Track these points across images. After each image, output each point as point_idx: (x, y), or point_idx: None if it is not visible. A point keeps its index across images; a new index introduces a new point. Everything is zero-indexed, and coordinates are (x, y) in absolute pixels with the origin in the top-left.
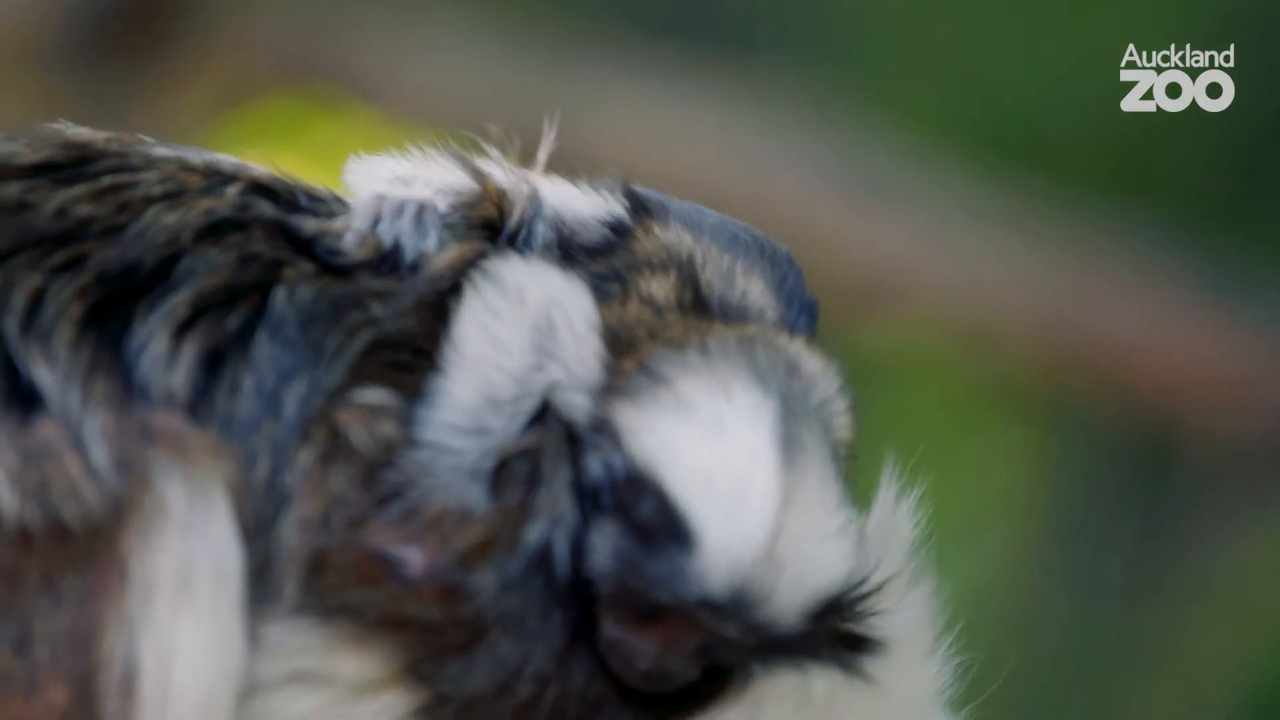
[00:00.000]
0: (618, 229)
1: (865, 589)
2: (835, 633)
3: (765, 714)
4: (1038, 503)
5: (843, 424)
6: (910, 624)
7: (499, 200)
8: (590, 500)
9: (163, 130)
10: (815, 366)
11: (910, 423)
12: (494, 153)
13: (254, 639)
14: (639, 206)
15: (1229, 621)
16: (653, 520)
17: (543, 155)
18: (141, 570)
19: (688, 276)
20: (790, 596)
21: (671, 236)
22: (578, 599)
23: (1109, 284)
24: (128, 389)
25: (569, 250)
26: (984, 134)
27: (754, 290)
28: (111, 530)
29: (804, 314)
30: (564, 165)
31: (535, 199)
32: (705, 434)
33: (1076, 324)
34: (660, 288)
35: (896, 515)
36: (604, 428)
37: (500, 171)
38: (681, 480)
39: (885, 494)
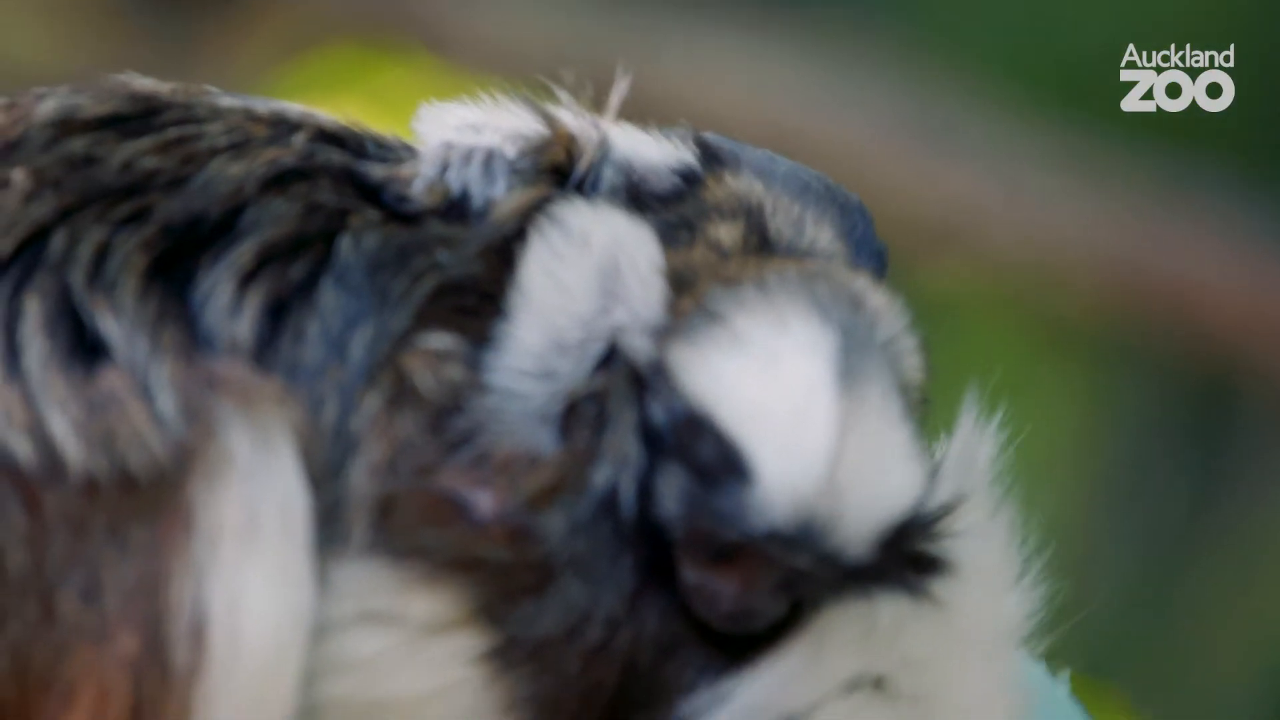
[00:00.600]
0: (688, 177)
1: (938, 512)
2: (905, 556)
3: (828, 646)
4: (1098, 446)
5: (911, 363)
6: (986, 551)
7: (568, 145)
8: (655, 443)
9: (225, 78)
10: (880, 302)
11: (972, 366)
12: (565, 99)
13: (323, 582)
14: (710, 155)
15: None
16: (712, 458)
17: (614, 102)
18: (207, 518)
19: (756, 223)
20: (858, 524)
21: (742, 185)
22: (647, 543)
23: (1174, 227)
24: (193, 338)
25: (638, 197)
26: (1049, 78)
27: (823, 238)
28: (177, 479)
29: (873, 260)
30: (633, 112)
31: (605, 145)
32: (760, 367)
33: (1141, 268)
34: (728, 234)
35: (976, 443)
36: (663, 370)
37: (571, 117)
38: (736, 415)
39: (965, 422)
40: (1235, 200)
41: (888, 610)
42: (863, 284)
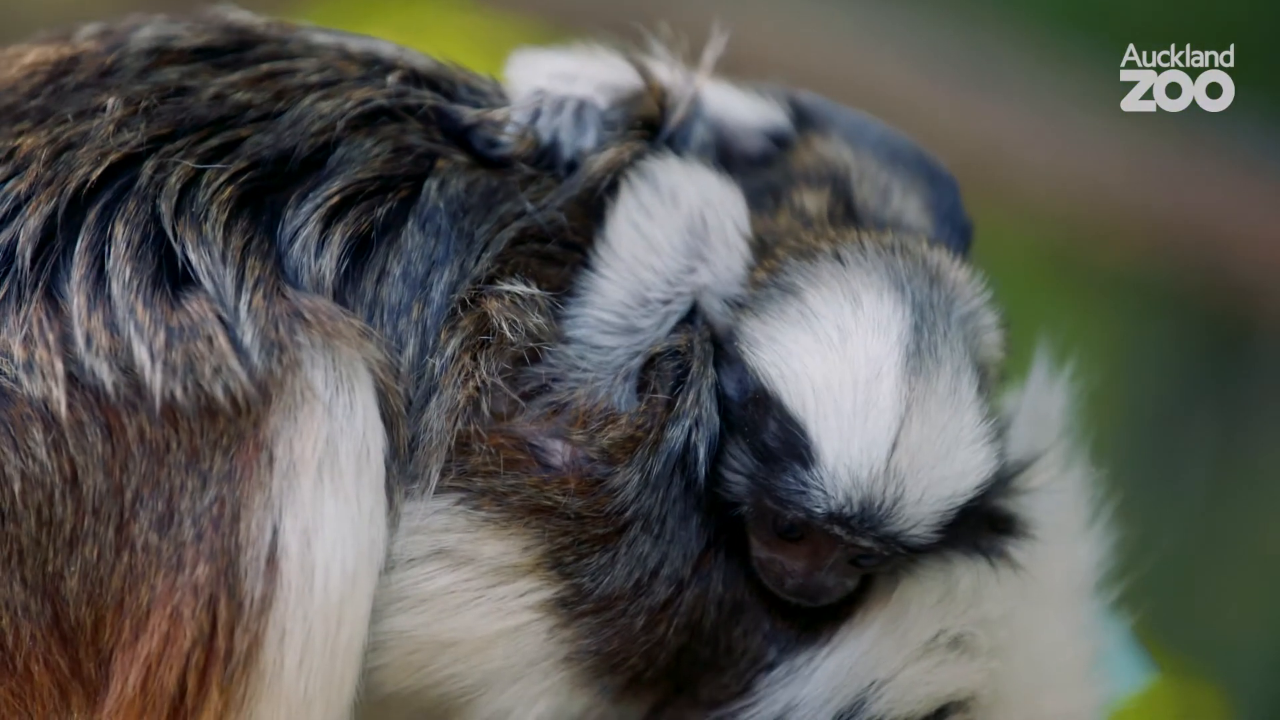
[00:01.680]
0: (779, 139)
1: (1012, 473)
2: (982, 522)
3: (910, 613)
4: (1124, 390)
5: (989, 339)
6: (1058, 506)
7: (661, 99)
8: (725, 414)
9: (244, 8)
10: (960, 277)
11: (999, 303)
12: (660, 51)
13: (396, 517)
14: (802, 117)
15: None
16: (776, 439)
17: (709, 58)
18: (287, 451)
19: (842, 192)
20: (920, 508)
21: (831, 150)
22: (715, 506)
23: (1208, 173)
24: (279, 272)
25: (727, 156)
26: (1087, 21)
27: (909, 209)
28: (258, 410)
29: (957, 234)
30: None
31: (697, 101)
32: (828, 346)
33: (1173, 210)
34: (813, 201)
35: (1047, 398)
36: (735, 341)
37: (665, 70)
38: (799, 395)
39: (1036, 377)
40: (1268, 144)
41: (965, 573)
42: (943, 258)
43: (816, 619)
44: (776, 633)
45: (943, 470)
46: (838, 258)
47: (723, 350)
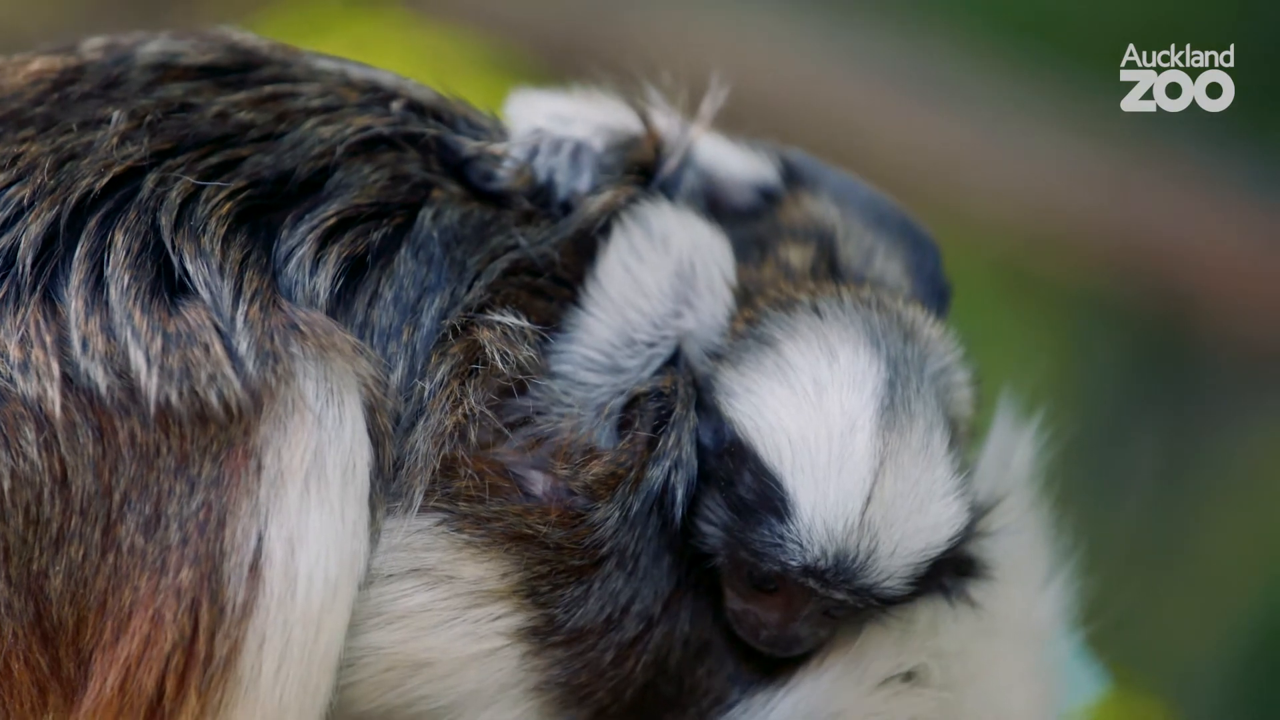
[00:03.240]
0: (768, 194)
1: (976, 517)
2: (949, 564)
3: (869, 653)
4: (1065, 398)
5: (962, 396)
6: (1020, 550)
7: (657, 146)
8: (702, 462)
9: (195, 25)
10: (934, 334)
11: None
12: (657, 99)
13: (379, 533)
14: (792, 175)
15: (1252, 512)
16: (751, 492)
17: (707, 110)
18: (276, 460)
19: (827, 249)
20: (893, 561)
21: (819, 209)
22: (687, 548)
23: (1153, 182)
24: (275, 287)
25: (716, 208)
26: (1033, 31)
27: (892, 270)
28: (250, 418)
29: (936, 297)
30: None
31: (690, 150)
32: (802, 398)
33: (1118, 224)
34: (798, 256)
35: (1013, 444)
36: (714, 390)
37: (661, 118)
38: (775, 447)
39: (1002, 422)
40: (1215, 150)
41: (925, 612)
42: (917, 314)
43: (780, 661)
44: (740, 674)
45: (916, 523)
46: (815, 310)
47: (701, 398)
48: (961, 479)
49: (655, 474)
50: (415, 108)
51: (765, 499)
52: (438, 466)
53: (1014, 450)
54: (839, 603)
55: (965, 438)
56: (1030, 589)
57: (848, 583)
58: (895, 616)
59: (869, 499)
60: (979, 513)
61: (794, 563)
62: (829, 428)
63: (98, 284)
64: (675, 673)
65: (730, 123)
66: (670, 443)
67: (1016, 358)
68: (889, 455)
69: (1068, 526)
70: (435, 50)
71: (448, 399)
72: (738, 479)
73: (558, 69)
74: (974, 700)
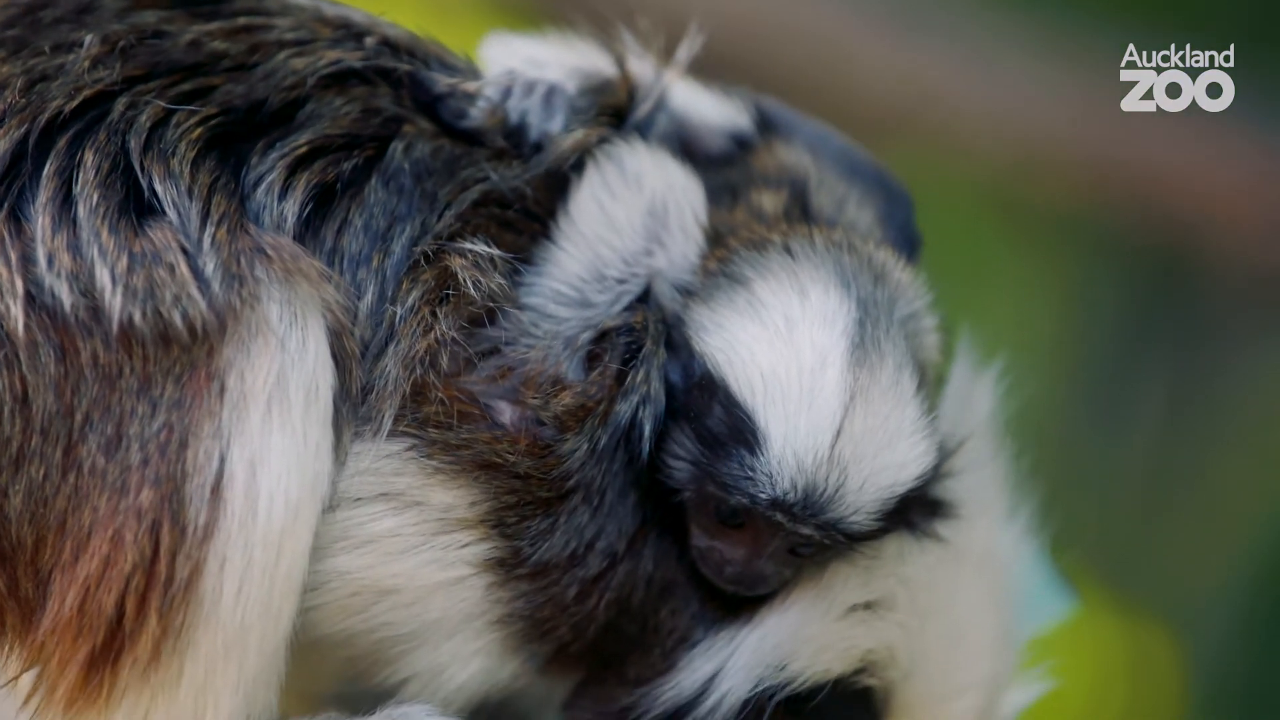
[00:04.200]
0: (742, 141)
1: (942, 458)
2: (917, 503)
3: (833, 588)
4: (1067, 329)
5: (929, 341)
6: (983, 485)
7: (630, 90)
8: (671, 399)
9: None
10: (904, 279)
11: (938, 248)
12: (633, 44)
13: (344, 454)
14: (766, 122)
15: (1260, 442)
16: (721, 425)
17: (682, 56)
18: (238, 382)
19: (799, 195)
20: (860, 495)
21: (792, 157)
22: (653, 486)
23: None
24: (243, 211)
25: (689, 153)
26: (1084, 16)
27: (863, 219)
28: (214, 340)
29: (906, 246)
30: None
31: (664, 95)
32: (774, 334)
33: (1111, 151)
34: (770, 202)
35: (974, 384)
36: (684, 327)
37: (637, 63)
38: (747, 381)
39: (962, 364)
40: (1238, 98)
41: (892, 545)
42: (888, 258)
43: (744, 601)
44: (704, 613)
45: (885, 459)
46: (787, 250)
47: (671, 336)
48: (929, 419)
49: (623, 408)
50: (388, 44)
51: (736, 432)
52: (408, 391)
53: (973, 389)
54: (805, 538)
55: (932, 382)
56: (992, 522)
57: (815, 516)
58: (862, 553)
59: (839, 433)
60: (945, 453)
61: (763, 495)
62: (800, 362)
63: (65, 201)
64: (639, 612)
65: (716, 60)
66: (639, 378)
67: (1016, 292)
68: (859, 391)
69: (1034, 461)
70: (452, 5)
71: (418, 324)
72: (708, 413)
73: (555, 11)
74: (937, 628)
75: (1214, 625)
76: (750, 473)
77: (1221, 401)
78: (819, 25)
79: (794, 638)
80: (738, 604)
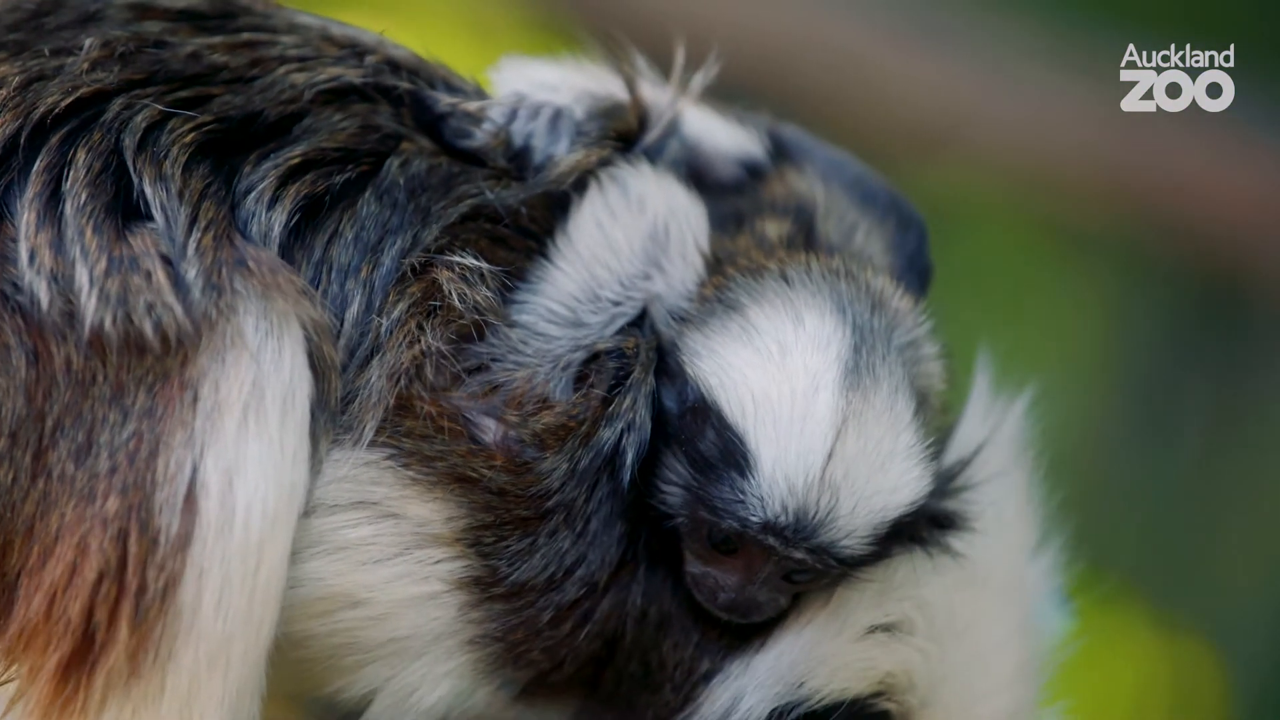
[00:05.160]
0: (753, 169)
1: (955, 471)
2: (921, 520)
3: (848, 607)
4: (1109, 347)
5: (931, 370)
6: (1005, 502)
7: (641, 115)
8: (662, 424)
9: None
10: (904, 306)
11: (977, 267)
12: (646, 69)
13: (320, 463)
14: (780, 150)
15: None
16: (713, 447)
17: (698, 83)
18: (212, 391)
19: (805, 223)
20: (853, 519)
21: (803, 185)
22: (643, 519)
23: (1174, 126)
24: (231, 220)
25: (700, 180)
26: (1084, 17)
27: (873, 249)
28: (188, 349)
29: (916, 276)
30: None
31: (676, 121)
32: (767, 359)
33: (1142, 166)
34: (775, 229)
35: (994, 405)
36: (678, 353)
37: (649, 88)
38: (739, 403)
39: (981, 385)
40: (1239, 94)
41: (905, 565)
42: (886, 286)
43: (750, 629)
44: (707, 644)
45: (877, 483)
46: (783, 277)
47: (665, 362)
48: (926, 443)
49: (607, 434)
50: (391, 64)
51: (727, 455)
52: (391, 403)
53: (996, 412)
54: (799, 563)
55: (934, 408)
56: (1016, 545)
57: (807, 540)
58: (861, 579)
59: (830, 456)
60: (951, 473)
61: (754, 518)
62: (792, 386)
63: (53, 198)
64: (638, 650)
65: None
66: (625, 404)
67: (1058, 310)
68: (851, 415)
69: (1074, 480)
70: (476, 18)
71: (404, 336)
72: (700, 437)
73: (596, 32)
74: (959, 653)
75: (1256, 641)
76: (741, 496)
77: (1264, 417)
78: (845, 42)
79: (810, 657)
80: (743, 631)
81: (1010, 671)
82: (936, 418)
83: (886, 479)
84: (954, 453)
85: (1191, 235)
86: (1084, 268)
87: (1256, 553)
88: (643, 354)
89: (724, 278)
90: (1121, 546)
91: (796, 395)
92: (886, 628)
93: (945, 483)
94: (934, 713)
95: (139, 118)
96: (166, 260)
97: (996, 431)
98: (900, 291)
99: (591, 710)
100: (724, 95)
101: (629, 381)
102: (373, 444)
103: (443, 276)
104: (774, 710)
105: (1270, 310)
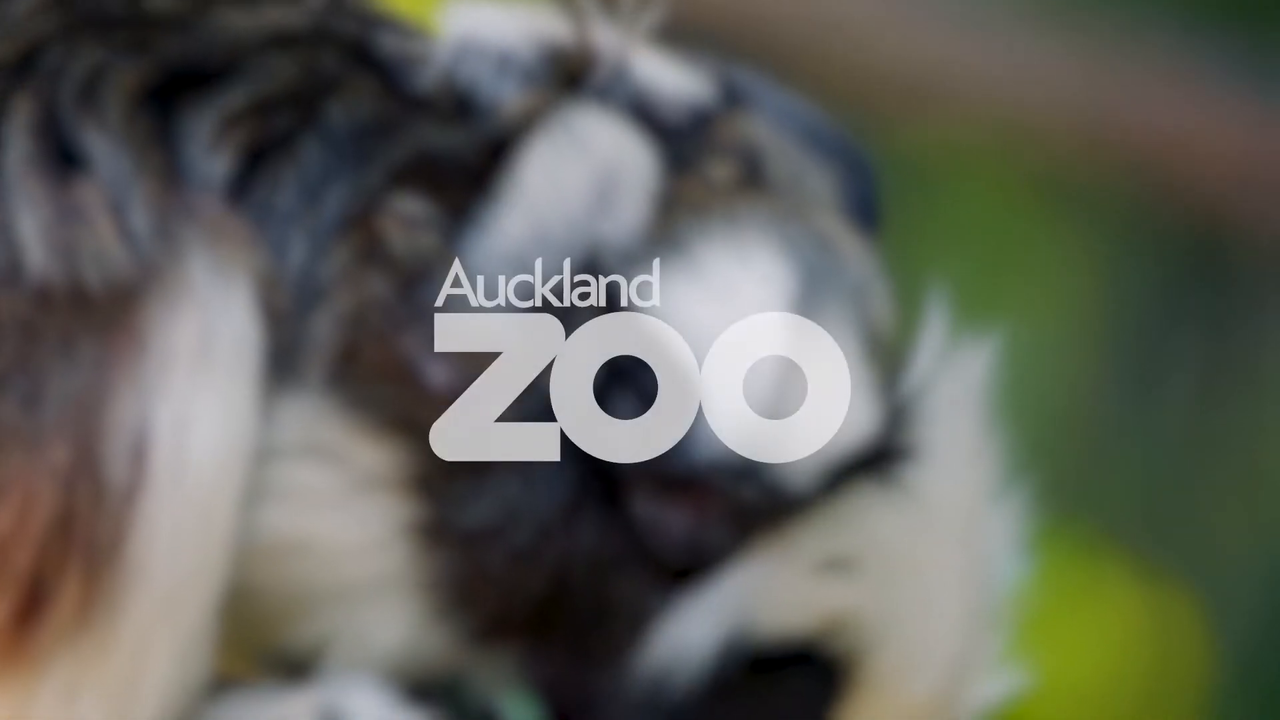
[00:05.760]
0: (702, 114)
1: (903, 405)
2: (870, 456)
3: (797, 541)
4: (1096, 301)
5: (880, 311)
6: (962, 451)
7: (588, 57)
8: (609, 366)
9: None
10: (854, 248)
11: (959, 223)
12: (595, 11)
13: (272, 414)
14: (732, 94)
15: None
16: (656, 386)
17: (645, 23)
18: (161, 341)
19: (752, 166)
20: (802, 458)
21: (751, 128)
22: (590, 461)
23: (1155, 77)
24: (174, 167)
25: (647, 124)
26: None
27: (821, 189)
28: (134, 298)
29: (865, 216)
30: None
31: (625, 64)
32: (712, 296)
33: (1123, 118)
34: (722, 171)
35: (953, 344)
36: (625, 294)
37: (598, 30)
38: (684, 341)
39: (936, 312)
40: (1218, 44)
41: (856, 501)
42: (837, 226)
43: (700, 566)
44: (657, 581)
45: (824, 420)
46: (731, 217)
47: (612, 303)
48: (874, 381)
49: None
50: (335, 6)
51: (676, 396)
52: (338, 350)
53: (954, 349)
54: (747, 503)
55: (885, 350)
56: (973, 488)
57: (755, 478)
58: (815, 514)
59: (777, 392)
60: (902, 405)
61: (700, 457)
62: (738, 323)
63: None
64: (588, 590)
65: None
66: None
67: (1047, 267)
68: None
69: (1060, 431)
70: None
71: (349, 285)
72: (646, 379)
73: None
74: (910, 596)
75: (1242, 594)
76: (689, 436)
77: (1252, 369)
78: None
79: (758, 589)
80: (692, 571)
81: (964, 618)
82: (887, 359)
83: (833, 415)
84: (906, 387)
85: (1180, 188)
86: (1072, 222)
87: (1243, 505)
88: (592, 297)
89: (671, 218)
90: (1108, 498)
91: (744, 336)
92: (836, 564)
93: (896, 416)
94: (883, 658)
95: (77, 65)
96: (111, 209)
97: (952, 369)
98: (851, 234)
99: (542, 650)
100: (684, 40)
101: (574, 325)
102: (320, 391)
103: (386, 222)
104: (724, 649)
105: (1259, 263)
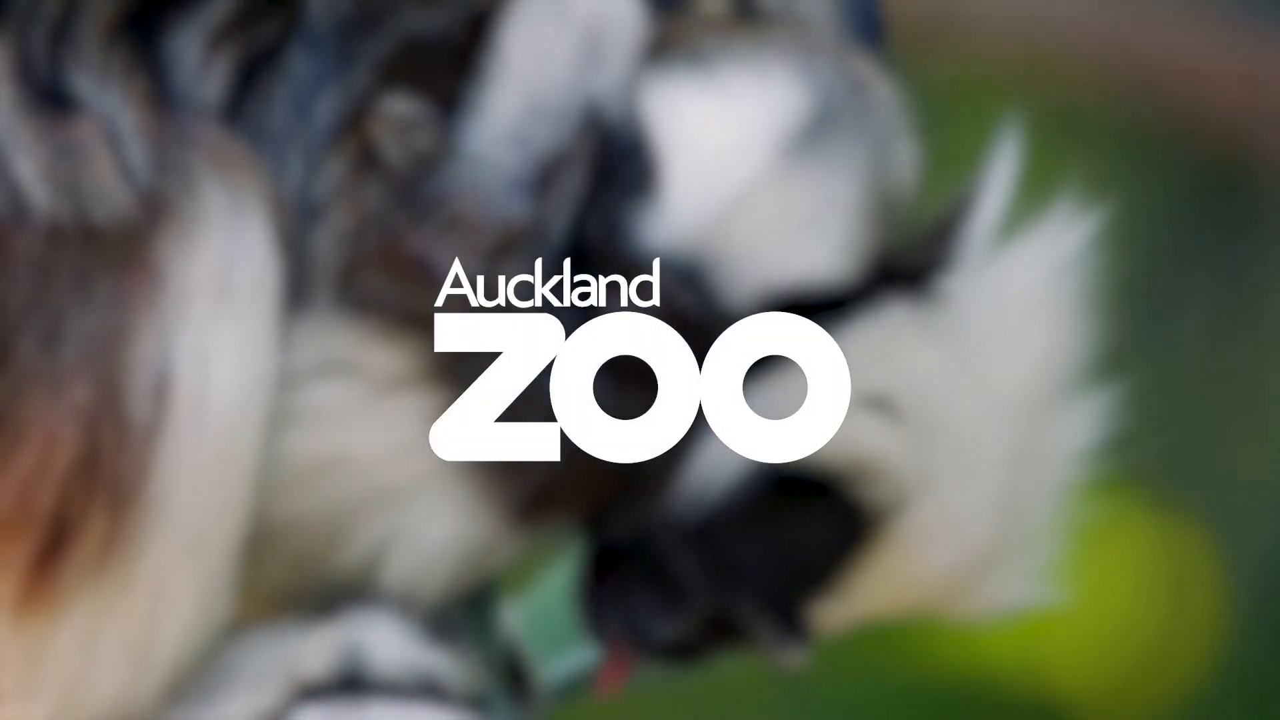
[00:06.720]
0: None
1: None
2: (902, 274)
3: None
4: (1109, 233)
5: (901, 164)
6: (1032, 321)
7: None
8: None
9: None
10: (886, 95)
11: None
12: None
13: (288, 339)
14: None
15: None
16: (634, 174)
17: None
18: (179, 275)
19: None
20: (741, 277)
21: None
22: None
23: (1172, 8)
24: (165, 96)
25: None
26: None
27: (815, 14)
28: (147, 232)
29: (867, 30)
30: None
31: None
32: (714, 102)
33: (1143, 46)
34: (713, 5)
35: (1000, 182)
36: (629, 107)
37: None
38: (668, 129)
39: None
40: None
41: (901, 332)
42: (869, 69)
43: None
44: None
45: (783, 254)
46: (757, 41)
47: (613, 140)
48: (865, 237)
49: (557, 227)
50: None
51: (642, 184)
52: (342, 265)
53: (999, 190)
54: (680, 308)
55: (895, 210)
56: (1039, 369)
57: (693, 284)
58: (861, 321)
59: (739, 204)
60: (945, 223)
61: (649, 246)
62: (731, 128)
63: None
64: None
65: None
66: (575, 196)
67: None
68: (783, 177)
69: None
70: None
71: (345, 199)
72: (626, 167)
73: None
74: (948, 460)
75: (1258, 532)
76: (644, 223)
77: (1267, 304)
78: None
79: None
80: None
81: (1004, 505)
82: (899, 225)
83: (791, 251)
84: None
85: (1191, 117)
86: (1086, 154)
87: (1259, 443)
88: (591, 151)
89: (689, 36)
90: (1121, 435)
91: (732, 135)
92: (872, 400)
93: (938, 233)
94: (909, 520)
95: (47, 5)
96: (108, 143)
97: (1036, 239)
98: (882, 77)
99: (591, 513)
100: None
101: (580, 180)
102: (329, 306)
103: (376, 130)
104: (756, 474)
105: (1275, 195)
